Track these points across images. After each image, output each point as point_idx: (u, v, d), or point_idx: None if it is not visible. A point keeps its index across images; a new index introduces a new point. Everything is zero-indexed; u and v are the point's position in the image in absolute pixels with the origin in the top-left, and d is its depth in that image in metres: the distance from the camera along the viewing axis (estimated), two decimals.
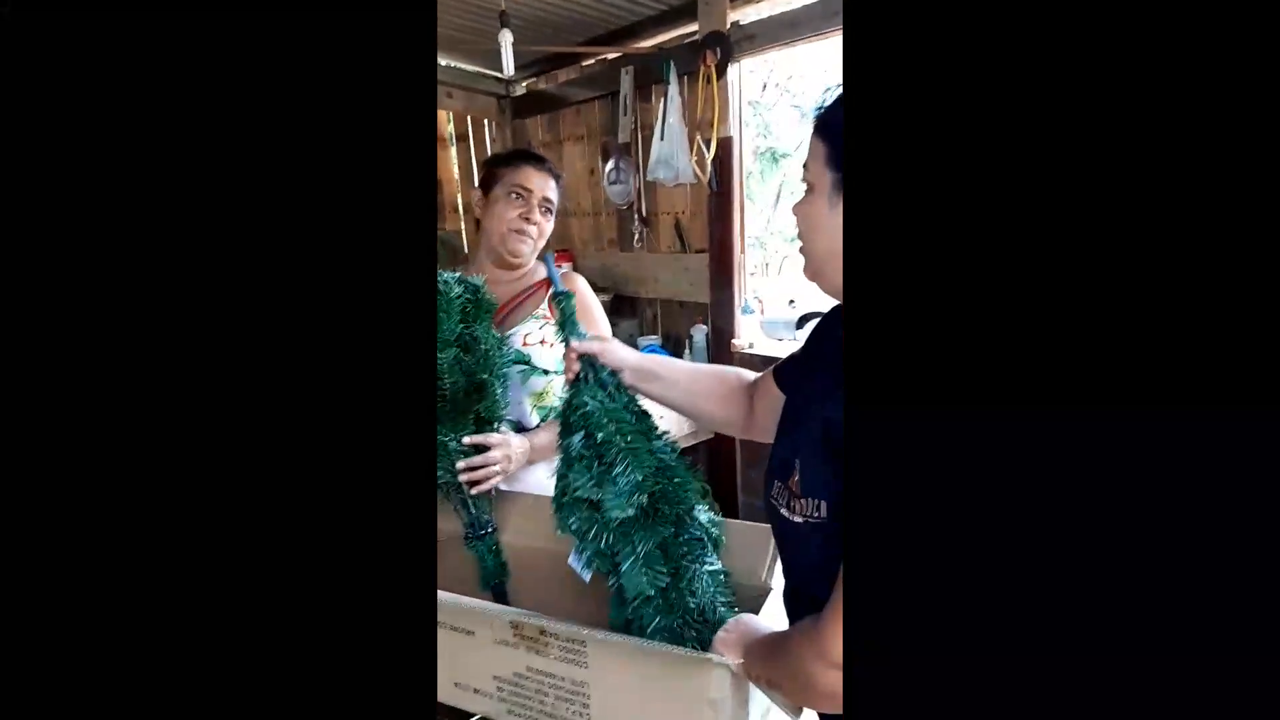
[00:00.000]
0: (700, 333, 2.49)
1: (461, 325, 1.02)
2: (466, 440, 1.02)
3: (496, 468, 1.04)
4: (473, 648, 0.80)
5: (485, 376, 1.03)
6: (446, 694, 0.84)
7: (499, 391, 1.06)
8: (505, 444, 1.06)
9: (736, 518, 0.90)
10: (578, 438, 0.82)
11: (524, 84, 3.09)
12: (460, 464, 1.02)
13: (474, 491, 1.04)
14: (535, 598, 0.96)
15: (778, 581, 0.87)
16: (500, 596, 1.06)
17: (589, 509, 0.80)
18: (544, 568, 1.03)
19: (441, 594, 0.80)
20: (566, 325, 0.91)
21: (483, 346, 1.03)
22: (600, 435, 0.80)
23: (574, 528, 0.81)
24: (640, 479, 0.79)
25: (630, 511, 0.78)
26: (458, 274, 1.06)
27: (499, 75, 3.00)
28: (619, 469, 0.79)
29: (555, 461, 1.20)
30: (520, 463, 1.09)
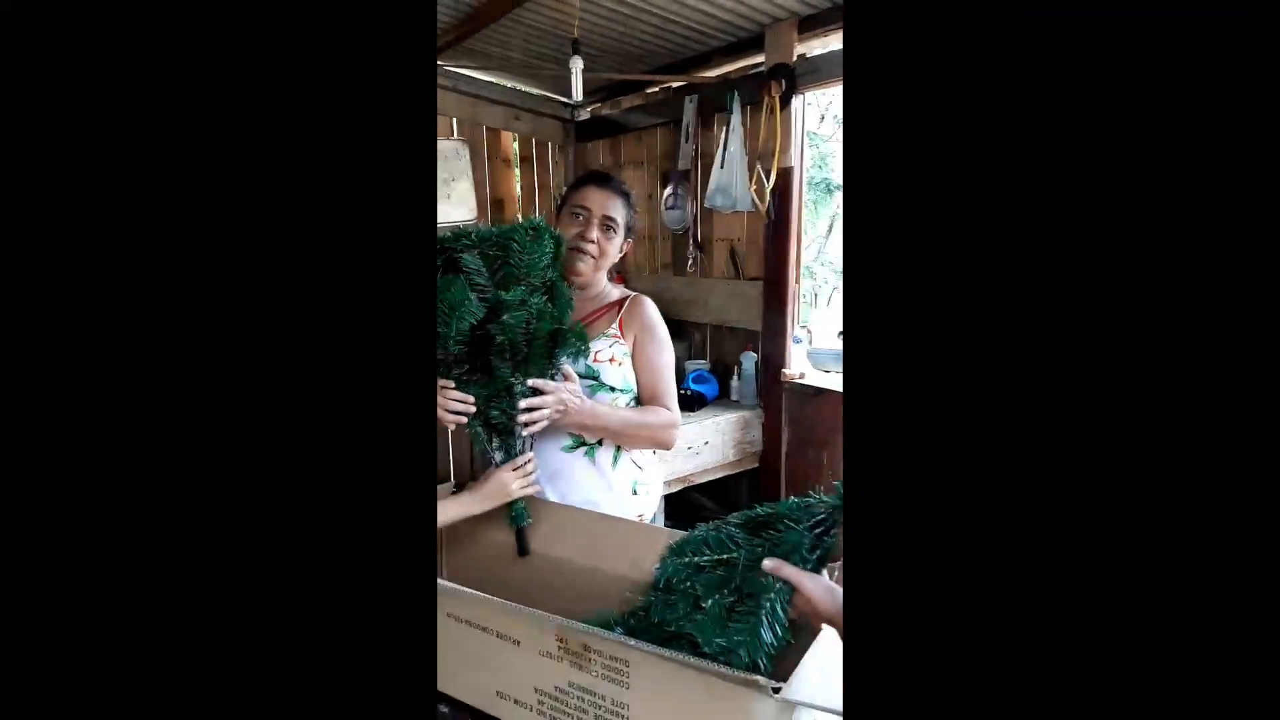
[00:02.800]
0: (749, 360, 2.48)
1: (551, 271, 1.07)
2: (530, 383, 1.06)
3: (547, 410, 1.07)
4: (517, 657, 0.81)
5: (563, 325, 1.08)
6: (487, 702, 0.85)
7: (574, 337, 1.10)
8: (558, 390, 1.08)
9: None
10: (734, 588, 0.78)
11: (588, 109, 3.17)
12: (522, 403, 1.05)
13: (526, 432, 1.08)
14: (565, 613, 0.96)
15: None
16: (522, 540, 1.10)
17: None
18: (573, 582, 1.05)
19: (491, 599, 0.81)
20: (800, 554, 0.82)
21: (564, 296, 1.08)
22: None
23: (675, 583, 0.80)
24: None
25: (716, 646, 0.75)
26: (542, 218, 1.11)
27: (565, 100, 3.08)
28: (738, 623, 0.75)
29: (612, 474, 1.23)
30: (575, 417, 1.12)
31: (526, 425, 1.06)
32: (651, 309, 1.29)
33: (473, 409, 1.05)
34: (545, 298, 1.05)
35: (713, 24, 2.26)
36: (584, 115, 3.19)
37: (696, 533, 0.85)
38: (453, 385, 1.04)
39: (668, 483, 2.30)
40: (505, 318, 0.99)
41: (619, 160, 3.06)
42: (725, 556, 0.80)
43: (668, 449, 1.26)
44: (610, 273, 1.33)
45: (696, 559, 0.81)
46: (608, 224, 1.23)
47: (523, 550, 1.10)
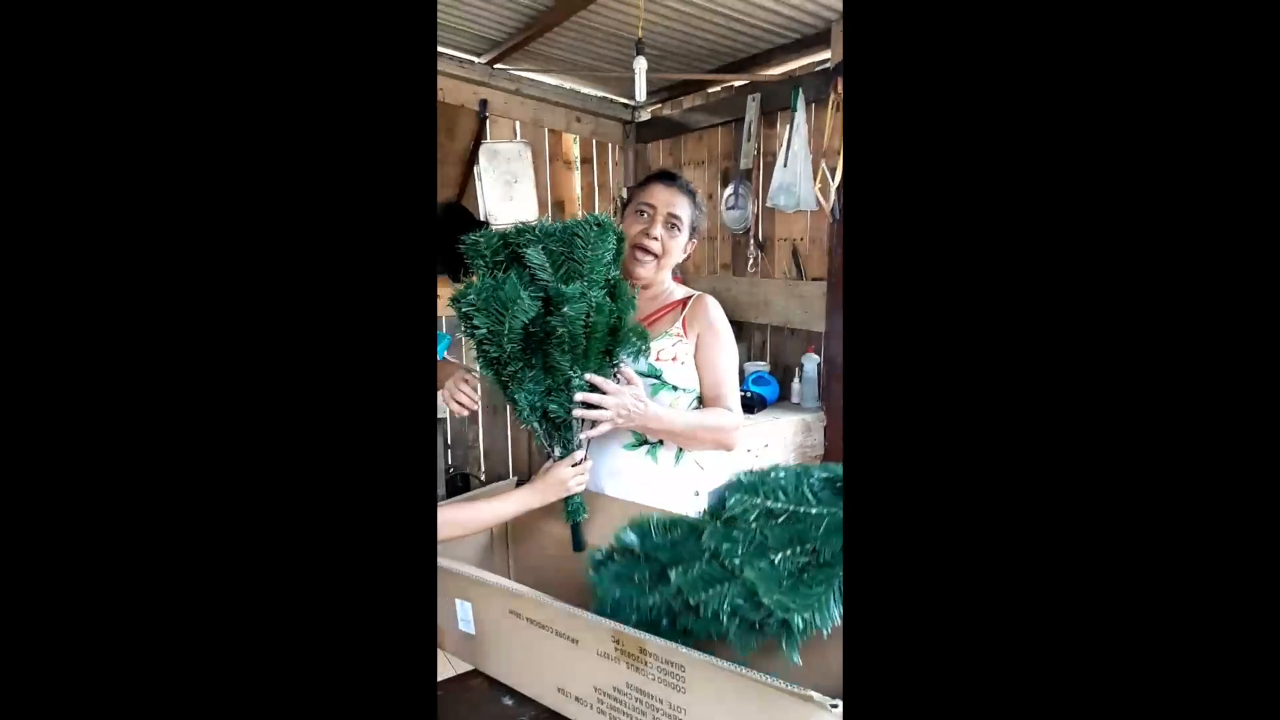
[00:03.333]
0: (811, 362, 2.44)
1: (613, 268, 1.06)
2: (588, 378, 1.04)
3: (608, 413, 1.05)
4: (576, 656, 0.82)
5: (623, 322, 1.07)
6: (550, 698, 0.86)
7: (634, 336, 1.10)
8: (620, 394, 1.05)
9: None
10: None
11: (649, 110, 3.17)
12: (578, 396, 1.04)
13: (584, 434, 1.06)
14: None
15: None
16: (577, 535, 1.09)
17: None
18: None
19: (549, 599, 0.82)
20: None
21: (625, 294, 1.07)
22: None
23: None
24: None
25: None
26: (606, 215, 1.09)
27: (627, 101, 3.10)
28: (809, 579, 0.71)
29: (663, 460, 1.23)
30: (639, 421, 1.10)
31: (583, 423, 1.06)
32: (715, 308, 1.28)
33: (476, 406, 1.09)
34: (605, 293, 1.05)
35: (777, 21, 2.23)
36: (644, 116, 3.20)
37: (774, 474, 0.80)
38: (476, 376, 1.06)
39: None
40: (565, 309, 0.99)
41: (679, 160, 3.05)
42: (802, 510, 0.75)
43: (730, 450, 1.25)
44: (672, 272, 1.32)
45: (770, 503, 0.76)
46: (672, 222, 1.22)
47: (578, 545, 1.11)
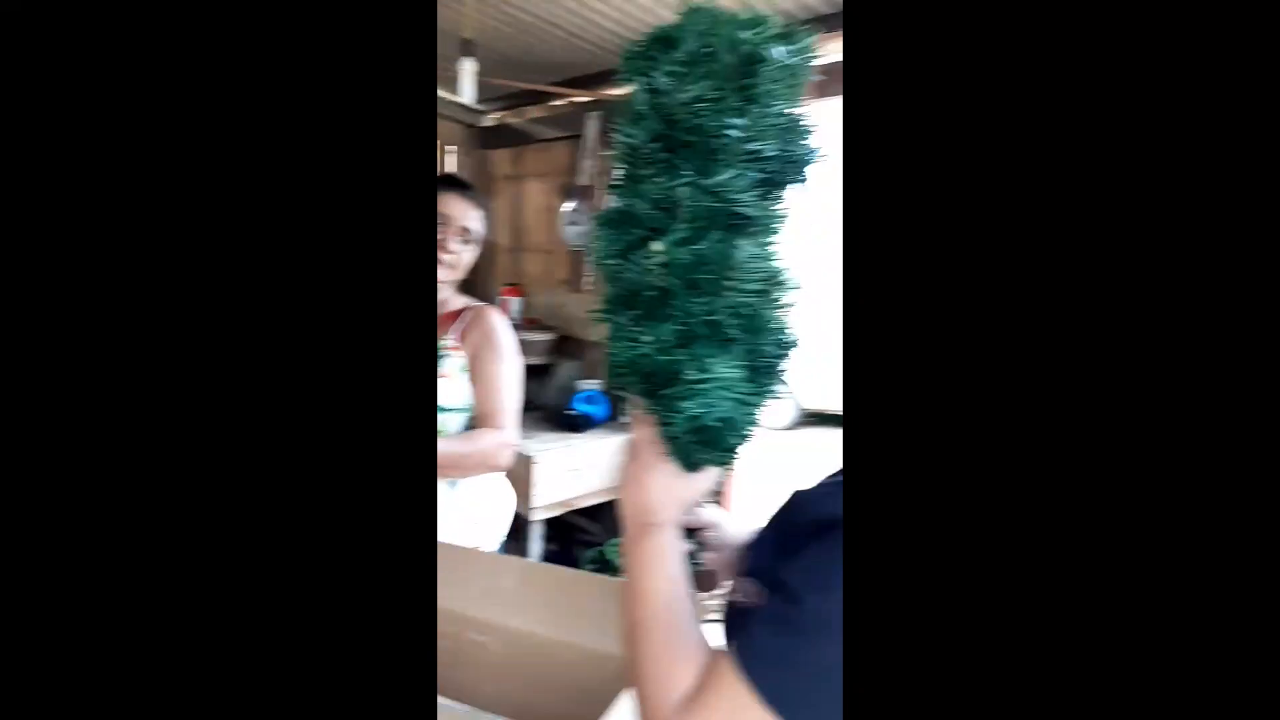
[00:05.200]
0: None
1: None
2: None
3: None
4: None
5: None
6: None
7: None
8: None
9: None
10: None
11: (494, 116, 3.09)
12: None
13: None
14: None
15: None
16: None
17: None
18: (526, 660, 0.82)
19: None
20: None
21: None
22: None
23: None
24: None
25: None
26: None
27: (469, 105, 2.99)
28: None
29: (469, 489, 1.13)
30: None
31: None
32: (496, 319, 1.20)
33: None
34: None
35: (617, 43, 2.24)
36: (488, 122, 3.10)
37: None
38: None
39: (548, 506, 2.22)
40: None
41: (523, 170, 2.99)
42: None
43: (501, 470, 1.17)
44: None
45: None
46: (465, 236, 1.15)
47: None
